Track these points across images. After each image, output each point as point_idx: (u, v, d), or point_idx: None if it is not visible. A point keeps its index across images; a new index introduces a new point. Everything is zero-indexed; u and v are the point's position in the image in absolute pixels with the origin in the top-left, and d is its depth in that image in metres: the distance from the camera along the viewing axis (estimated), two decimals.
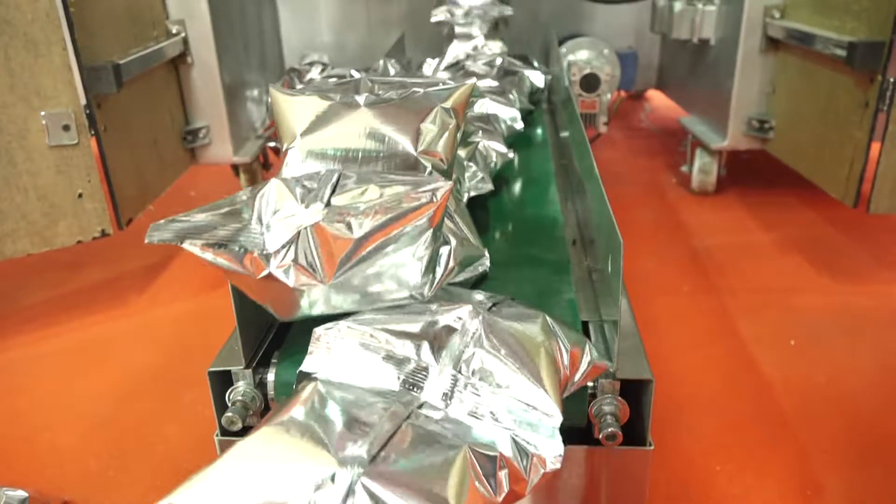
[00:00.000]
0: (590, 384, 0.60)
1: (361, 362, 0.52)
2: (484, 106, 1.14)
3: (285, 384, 0.62)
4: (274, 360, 0.63)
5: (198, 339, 1.19)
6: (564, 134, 1.28)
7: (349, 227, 0.52)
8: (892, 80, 1.12)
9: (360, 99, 0.69)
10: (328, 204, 0.55)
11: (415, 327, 0.53)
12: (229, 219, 0.57)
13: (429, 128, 0.67)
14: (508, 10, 1.59)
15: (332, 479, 0.40)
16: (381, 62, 1.47)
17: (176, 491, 0.41)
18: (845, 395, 1.00)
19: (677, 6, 1.65)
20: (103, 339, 1.21)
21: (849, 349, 1.11)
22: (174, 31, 1.47)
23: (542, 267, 0.79)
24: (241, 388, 0.61)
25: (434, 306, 0.55)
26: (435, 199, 0.53)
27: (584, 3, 2.04)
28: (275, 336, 0.67)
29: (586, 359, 0.55)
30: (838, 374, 1.04)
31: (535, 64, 1.61)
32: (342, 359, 0.52)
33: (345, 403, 0.47)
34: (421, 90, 0.71)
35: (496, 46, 1.51)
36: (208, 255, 0.54)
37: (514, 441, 0.47)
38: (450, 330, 0.52)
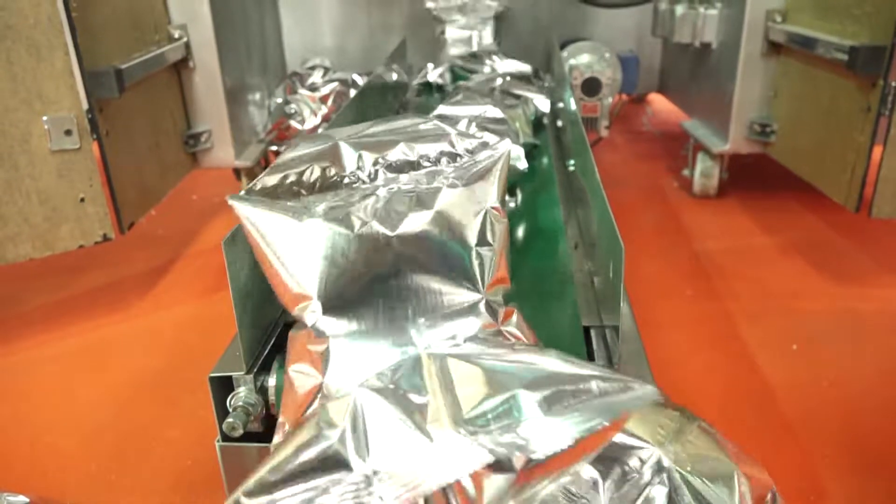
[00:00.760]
0: None
1: None
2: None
3: None
4: (275, 366, 0.63)
5: (200, 343, 1.19)
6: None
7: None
8: (893, 84, 1.12)
9: (383, 228, 0.54)
10: (467, 422, 0.40)
11: None
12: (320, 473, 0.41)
13: (485, 254, 0.56)
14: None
15: None
16: (382, 68, 1.47)
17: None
18: (848, 400, 0.99)
19: (679, 10, 1.66)
20: (105, 343, 1.21)
21: (852, 353, 1.10)
22: (176, 36, 1.47)
23: (544, 271, 0.79)
24: (243, 393, 0.61)
25: None
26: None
27: (586, 7, 2.04)
28: (276, 340, 0.67)
29: None
30: (841, 379, 1.04)
31: (539, 74, 1.60)
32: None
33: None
34: (455, 190, 0.56)
35: (494, 56, 1.50)
36: None
37: None
38: None
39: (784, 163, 1.50)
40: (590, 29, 2.08)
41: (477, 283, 0.55)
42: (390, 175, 0.60)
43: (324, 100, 1.67)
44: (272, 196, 0.59)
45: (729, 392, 1.03)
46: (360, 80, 1.70)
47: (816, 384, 1.03)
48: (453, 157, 0.61)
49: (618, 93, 1.80)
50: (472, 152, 0.62)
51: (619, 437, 0.40)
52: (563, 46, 1.93)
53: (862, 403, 0.99)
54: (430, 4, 1.61)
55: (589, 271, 0.83)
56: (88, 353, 1.18)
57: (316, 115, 1.66)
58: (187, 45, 1.48)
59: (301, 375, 0.53)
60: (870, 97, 1.17)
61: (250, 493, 0.40)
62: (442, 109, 1.11)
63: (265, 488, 0.40)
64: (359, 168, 0.61)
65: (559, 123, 1.42)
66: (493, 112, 1.09)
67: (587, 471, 0.39)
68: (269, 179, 0.60)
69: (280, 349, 0.66)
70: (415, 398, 0.43)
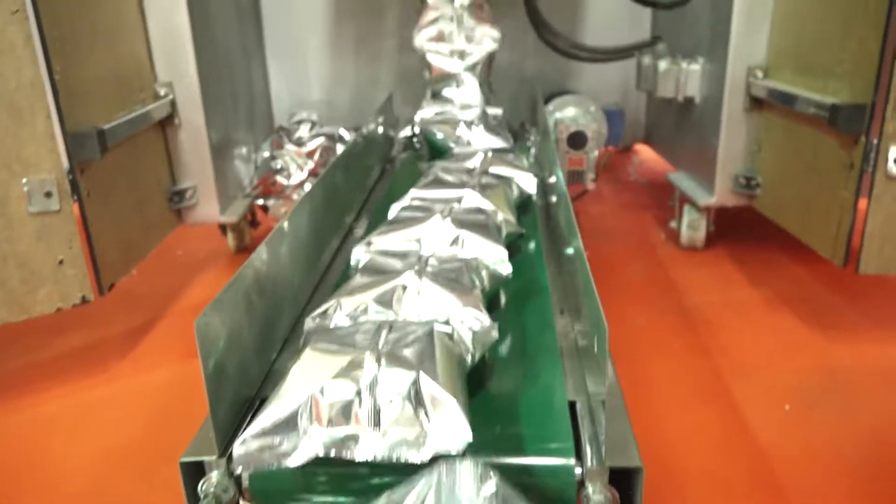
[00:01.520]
0: (577, 470, 0.58)
1: None
2: (463, 245, 0.87)
3: (261, 476, 0.59)
4: None
5: (180, 407, 1.15)
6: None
7: None
8: (875, 141, 1.13)
9: None
10: None
11: None
12: None
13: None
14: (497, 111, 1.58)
15: None
16: (369, 124, 1.47)
17: None
18: (843, 463, 0.97)
19: (662, 65, 1.68)
20: (83, 407, 1.17)
21: (844, 413, 1.09)
22: (162, 94, 1.47)
23: (529, 347, 0.77)
24: (215, 478, 0.59)
25: None
26: None
27: (570, 61, 2.07)
28: (251, 419, 0.65)
29: None
30: (835, 440, 1.02)
31: (524, 126, 1.60)
32: None
33: None
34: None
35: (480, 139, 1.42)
36: None
37: None
38: None
39: (770, 216, 1.50)
40: (575, 81, 2.10)
41: None
42: None
43: (310, 155, 1.67)
44: None
45: (720, 453, 1.01)
46: (347, 135, 1.71)
47: (809, 446, 1.01)
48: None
49: (604, 145, 1.81)
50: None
51: None
52: (548, 99, 1.95)
53: (857, 466, 0.96)
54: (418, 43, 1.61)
55: (576, 336, 0.81)
56: (66, 418, 1.15)
57: (302, 169, 1.66)
58: (173, 103, 1.48)
59: None
60: (852, 154, 1.18)
61: None
62: (415, 192, 1.06)
63: None
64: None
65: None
66: (471, 199, 1.01)
67: None
68: None
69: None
70: None
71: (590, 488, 0.57)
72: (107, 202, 1.24)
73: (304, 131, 1.82)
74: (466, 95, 1.54)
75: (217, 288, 0.64)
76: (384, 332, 0.63)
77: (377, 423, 0.56)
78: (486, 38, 1.58)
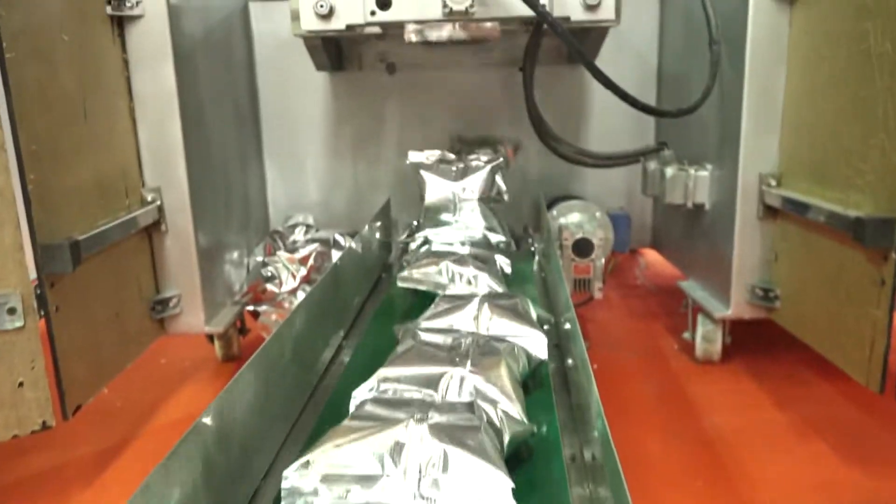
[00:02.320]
0: None
1: None
2: (446, 467, 0.62)
3: None
4: None
5: None
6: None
7: None
8: None
9: None
10: None
11: None
12: None
13: None
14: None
15: None
16: (365, 230, 1.41)
17: None
18: None
19: (669, 171, 1.62)
20: None
21: None
22: (149, 199, 1.41)
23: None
24: None
25: None
26: None
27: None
28: None
29: None
30: None
31: (527, 230, 1.52)
32: None
33: None
34: None
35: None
36: None
37: None
38: None
39: (792, 331, 1.41)
40: (578, 183, 2.05)
41: None
42: None
43: (303, 261, 1.59)
44: None
45: None
46: (343, 240, 1.64)
47: None
48: None
49: (610, 252, 1.74)
50: None
51: None
52: (551, 203, 1.89)
53: None
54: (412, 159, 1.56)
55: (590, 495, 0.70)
56: None
57: (295, 277, 1.58)
58: (160, 209, 1.42)
59: None
60: (883, 270, 1.09)
61: None
62: (384, 372, 0.80)
63: None
64: None
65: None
66: (460, 386, 0.76)
67: None
68: None
69: None
70: None
71: None
72: (79, 316, 1.15)
73: (298, 235, 1.75)
74: (466, 219, 1.45)
75: (200, 403, 0.54)
76: None
77: None
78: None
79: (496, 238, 1.43)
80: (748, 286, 1.48)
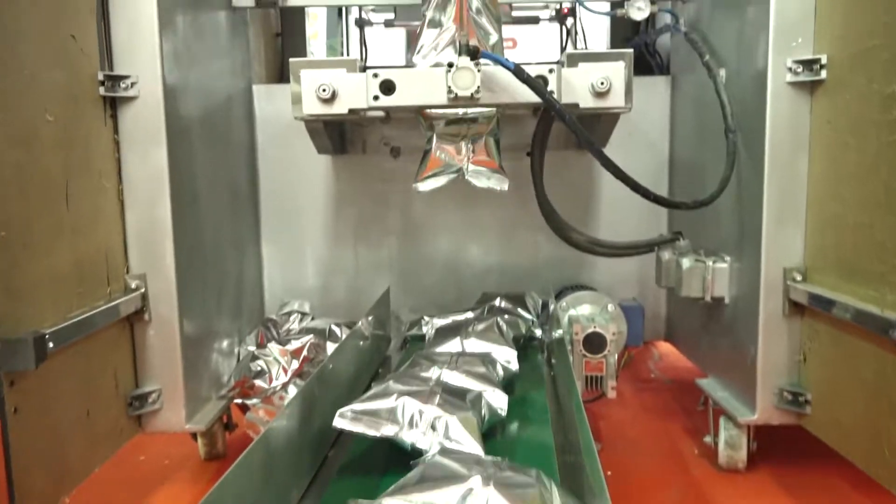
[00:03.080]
0: None
1: None
2: None
3: None
4: None
5: None
6: None
7: None
8: None
9: None
10: None
11: None
12: None
13: None
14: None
15: None
16: (362, 322, 1.31)
17: None
18: None
19: (685, 263, 1.53)
20: None
21: None
22: (133, 286, 1.33)
23: None
24: None
25: None
26: None
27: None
28: None
29: None
30: None
31: (532, 309, 1.41)
32: None
33: None
34: None
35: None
36: None
37: None
38: None
39: (825, 440, 1.28)
40: (588, 273, 1.96)
41: None
42: None
43: (296, 354, 1.49)
44: None
45: None
46: (338, 331, 1.54)
47: None
48: None
49: (623, 346, 1.63)
50: None
51: None
52: (560, 293, 1.80)
53: None
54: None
55: None
56: None
57: (286, 371, 1.47)
58: (144, 297, 1.33)
59: None
60: None
61: None
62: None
63: None
64: None
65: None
66: None
67: None
68: None
69: None
70: None
71: None
72: (40, 418, 1.05)
73: (293, 324, 1.66)
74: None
75: None
76: None
77: None
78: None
79: (504, 356, 1.31)
80: (775, 389, 1.36)
